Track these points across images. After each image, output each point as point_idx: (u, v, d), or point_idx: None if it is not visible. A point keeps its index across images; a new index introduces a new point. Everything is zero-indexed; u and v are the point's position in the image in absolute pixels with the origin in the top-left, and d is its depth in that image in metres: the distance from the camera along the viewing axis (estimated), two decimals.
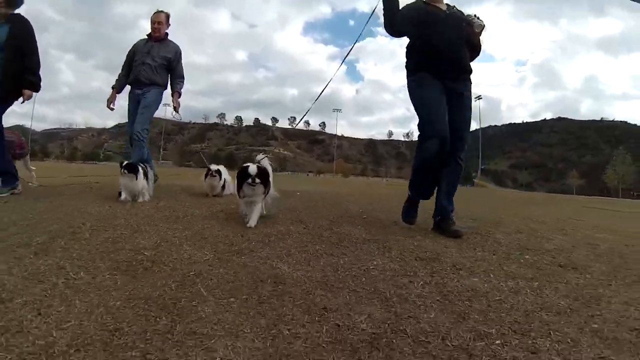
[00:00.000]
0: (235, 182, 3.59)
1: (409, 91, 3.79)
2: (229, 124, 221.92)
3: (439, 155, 3.51)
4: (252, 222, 3.41)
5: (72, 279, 1.89)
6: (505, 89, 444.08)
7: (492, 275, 2.32)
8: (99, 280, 1.90)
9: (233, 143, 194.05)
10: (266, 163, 3.76)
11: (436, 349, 1.43)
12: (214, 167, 5.71)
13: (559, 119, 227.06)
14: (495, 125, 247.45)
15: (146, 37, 5.79)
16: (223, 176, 5.73)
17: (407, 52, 3.89)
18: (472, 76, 3.86)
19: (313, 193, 8.19)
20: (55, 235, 2.63)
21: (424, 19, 3.62)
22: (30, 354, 1.26)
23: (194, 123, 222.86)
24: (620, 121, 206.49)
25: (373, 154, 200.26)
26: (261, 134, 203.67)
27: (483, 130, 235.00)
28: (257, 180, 3.41)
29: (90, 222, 3.08)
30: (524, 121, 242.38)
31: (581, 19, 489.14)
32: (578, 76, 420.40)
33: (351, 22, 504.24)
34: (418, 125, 3.69)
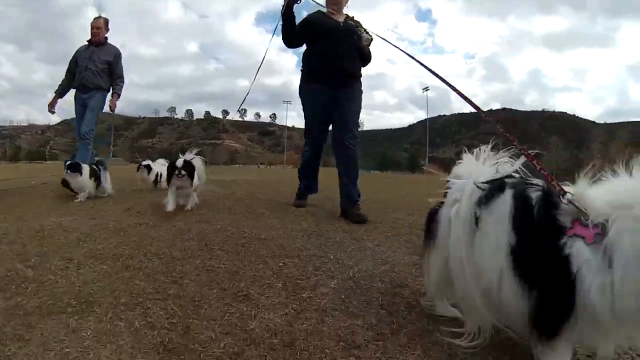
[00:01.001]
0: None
1: (299, 95, 4.48)
2: (179, 117, 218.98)
3: (316, 158, 4.66)
4: (189, 205, 4.29)
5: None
6: (455, 80, 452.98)
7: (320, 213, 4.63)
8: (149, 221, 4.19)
9: (184, 137, 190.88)
10: (198, 162, 4.49)
11: (273, 243, 3.14)
12: (144, 162, 6.57)
13: (504, 109, 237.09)
14: (445, 115, 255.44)
15: (87, 42, 6.18)
16: (156, 170, 6.38)
17: (303, 58, 4.43)
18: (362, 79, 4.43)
19: (252, 180, 10.76)
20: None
21: (320, 30, 4.11)
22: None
23: (143, 117, 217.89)
24: (560, 112, 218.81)
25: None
26: (212, 127, 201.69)
27: (433, 119, 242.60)
28: (183, 172, 4.11)
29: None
30: (471, 111, 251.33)
31: (528, 16, 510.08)
32: (523, 69, 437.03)
33: (304, 13, 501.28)
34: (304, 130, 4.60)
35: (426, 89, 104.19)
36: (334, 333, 1.67)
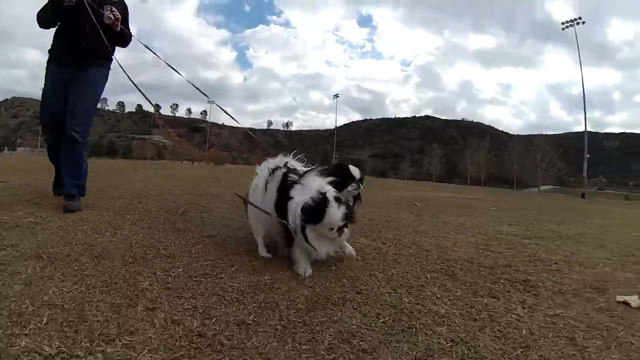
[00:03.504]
0: None
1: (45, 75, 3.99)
2: (110, 109, 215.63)
3: (56, 135, 3.90)
4: None
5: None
6: (390, 85, 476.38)
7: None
8: None
9: (115, 130, 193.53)
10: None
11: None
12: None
13: (426, 116, 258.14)
14: (371, 119, 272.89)
15: None
16: None
17: (54, 35, 3.95)
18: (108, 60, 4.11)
19: (163, 174, 13.29)
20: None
21: (66, 8, 3.71)
22: None
23: None
24: (477, 122, 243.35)
25: (251, 143, 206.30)
26: (143, 121, 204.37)
27: (359, 123, 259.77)
28: None
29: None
30: (396, 116, 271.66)
31: (463, 32, 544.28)
32: (455, 80, 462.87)
33: (247, 8, 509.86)
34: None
35: (336, 95, 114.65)
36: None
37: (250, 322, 1.59)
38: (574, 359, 1.49)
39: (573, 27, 45.63)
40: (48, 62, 3.97)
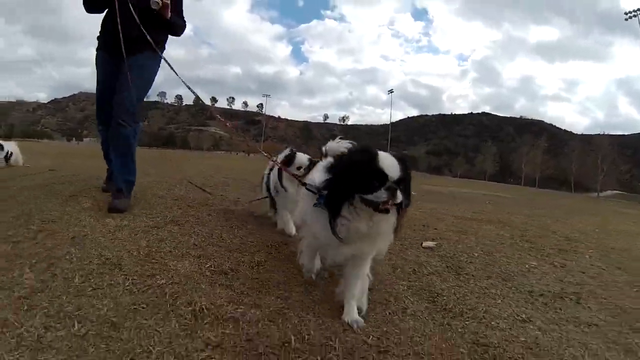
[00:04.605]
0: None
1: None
2: (169, 102, 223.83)
3: (107, 126, 3.87)
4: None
5: None
6: (447, 80, 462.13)
7: None
8: None
9: (173, 122, 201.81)
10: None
11: None
12: None
13: (484, 113, 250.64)
14: (426, 115, 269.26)
15: None
16: (7, 149, 7.48)
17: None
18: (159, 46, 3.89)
19: (209, 163, 18.45)
20: None
21: None
22: None
23: None
24: (538, 120, 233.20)
25: (307, 137, 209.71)
26: (200, 114, 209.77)
27: (414, 118, 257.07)
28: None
29: None
30: (452, 113, 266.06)
31: (522, 24, 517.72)
32: (515, 76, 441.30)
33: (300, 3, 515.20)
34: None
35: (391, 91, 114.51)
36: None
37: (211, 216, 3.79)
38: None
39: (637, 18, 43.74)
40: (97, 49, 3.97)
